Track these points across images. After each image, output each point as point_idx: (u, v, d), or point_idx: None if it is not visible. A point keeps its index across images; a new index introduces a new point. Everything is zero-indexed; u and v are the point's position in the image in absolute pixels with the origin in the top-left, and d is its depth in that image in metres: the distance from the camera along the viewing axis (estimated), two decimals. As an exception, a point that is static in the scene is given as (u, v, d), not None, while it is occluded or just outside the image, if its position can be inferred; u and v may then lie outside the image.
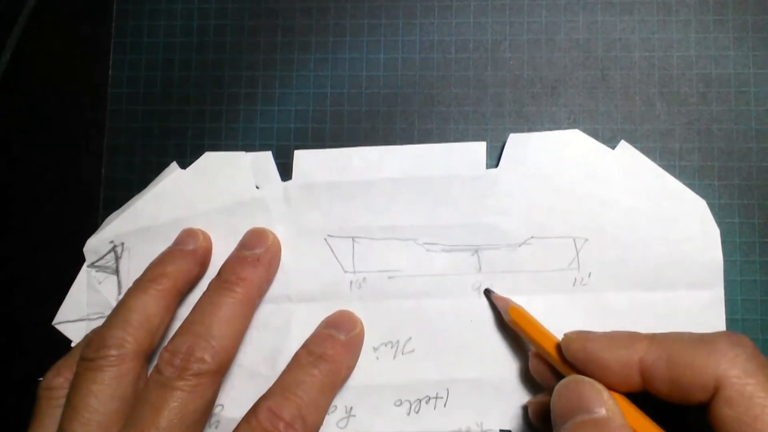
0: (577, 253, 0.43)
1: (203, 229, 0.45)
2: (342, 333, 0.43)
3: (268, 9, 0.48)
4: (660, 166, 0.44)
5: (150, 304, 0.41)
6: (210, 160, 0.46)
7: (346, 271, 0.44)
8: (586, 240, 0.43)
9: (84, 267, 0.46)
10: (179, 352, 0.38)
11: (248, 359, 0.44)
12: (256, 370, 0.44)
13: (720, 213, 0.44)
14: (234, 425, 0.39)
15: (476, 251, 0.44)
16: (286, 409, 0.38)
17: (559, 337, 0.37)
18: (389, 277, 0.44)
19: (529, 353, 0.40)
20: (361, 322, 0.44)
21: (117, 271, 0.45)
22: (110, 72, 0.48)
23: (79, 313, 0.45)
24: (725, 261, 0.43)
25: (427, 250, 0.44)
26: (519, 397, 0.43)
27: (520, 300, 0.43)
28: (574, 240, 0.43)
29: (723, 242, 0.43)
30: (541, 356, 0.39)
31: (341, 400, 0.44)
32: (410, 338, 0.44)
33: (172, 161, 0.47)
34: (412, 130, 0.46)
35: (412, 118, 0.46)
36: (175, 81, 0.48)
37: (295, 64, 0.47)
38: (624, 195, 0.43)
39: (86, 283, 0.45)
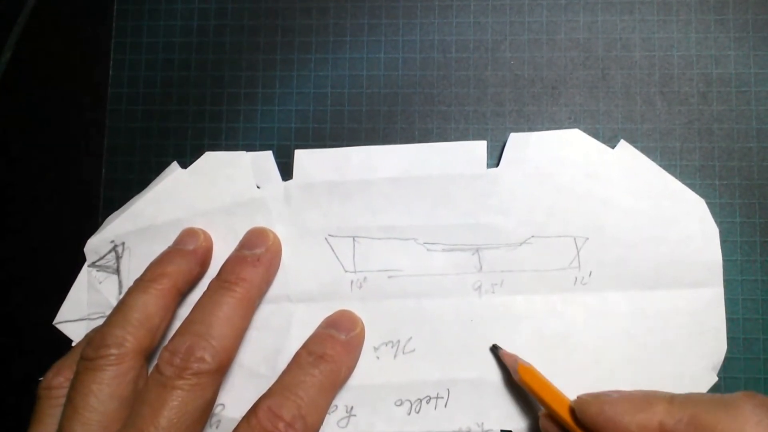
0: (578, 253, 0.43)
1: (203, 228, 0.45)
2: (342, 333, 0.43)
3: (268, 9, 0.48)
4: (661, 165, 0.44)
5: (150, 303, 0.41)
6: (210, 160, 0.46)
7: (346, 271, 0.45)
8: (587, 239, 0.43)
9: (85, 267, 0.46)
10: (179, 352, 0.39)
11: (248, 359, 0.44)
12: (256, 369, 0.44)
13: (721, 212, 0.44)
14: (234, 425, 0.39)
15: (477, 251, 0.44)
16: (286, 409, 0.39)
17: (570, 396, 0.39)
18: (390, 277, 0.44)
19: (540, 414, 0.40)
20: (362, 322, 0.44)
21: (118, 271, 0.46)
22: (110, 72, 0.49)
23: (79, 312, 0.46)
24: (726, 260, 0.44)
25: (428, 250, 0.44)
26: (520, 397, 0.43)
27: (520, 299, 0.44)
28: (575, 239, 0.44)
29: (724, 242, 0.44)
30: (553, 418, 0.39)
31: (342, 400, 0.44)
32: (411, 338, 0.44)
33: (172, 161, 0.47)
34: (412, 129, 0.47)
35: (413, 117, 0.47)
36: (175, 81, 0.49)
37: (295, 64, 0.48)
38: (624, 194, 0.44)
39: (87, 283, 0.46)
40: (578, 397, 0.37)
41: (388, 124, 0.47)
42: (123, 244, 0.46)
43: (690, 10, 0.46)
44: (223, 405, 0.44)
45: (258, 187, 0.46)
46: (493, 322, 0.44)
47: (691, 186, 0.44)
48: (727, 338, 0.43)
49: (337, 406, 0.44)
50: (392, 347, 0.44)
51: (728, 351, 0.43)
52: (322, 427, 0.43)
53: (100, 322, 0.45)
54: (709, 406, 0.33)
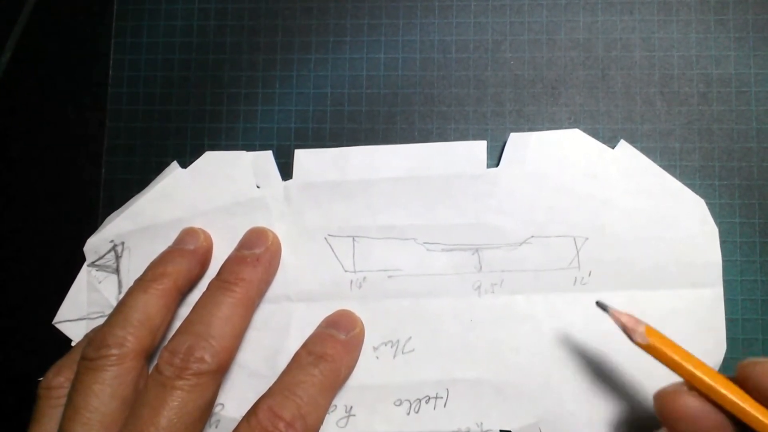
0: (578, 252, 0.44)
1: (203, 228, 0.46)
2: (342, 332, 0.44)
3: (269, 9, 0.49)
4: (661, 165, 0.45)
5: (151, 303, 0.41)
6: (210, 159, 0.47)
7: (346, 271, 0.45)
8: (587, 239, 0.44)
9: (84, 266, 0.47)
10: (179, 352, 0.39)
11: (248, 359, 0.45)
12: (256, 369, 0.45)
13: (720, 213, 0.45)
14: (234, 425, 0.39)
15: (476, 251, 0.45)
16: (287, 409, 0.39)
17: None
18: (389, 277, 0.45)
19: (667, 392, 0.36)
20: (361, 322, 0.45)
21: (117, 271, 0.46)
22: (110, 72, 0.49)
23: (79, 312, 0.46)
24: (726, 261, 0.44)
25: (428, 250, 0.45)
26: (519, 397, 0.44)
27: (520, 299, 0.44)
28: (575, 239, 0.44)
29: (724, 242, 0.44)
30: (698, 391, 0.35)
31: (341, 400, 0.44)
32: (410, 338, 0.44)
33: (172, 161, 0.47)
34: (412, 129, 0.47)
35: (413, 117, 0.47)
36: (175, 81, 0.49)
37: (295, 64, 0.48)
38: (624, 194, 0.44)
39: (86, 283, 0.46)
40: (739, 364, 0.35)
41: (387, 124, 0.47)
42: (123, 243, 0.46)
43: (690, 11, 0.47)
44: (222, 405, 0.44)
45: (258, 187, 0.46)
46: (492, 322, 0.44)
47: (691, 186, 0.44)
48: (727, 339, 0.43)
49: (336, 406, 0.44)
50: (392, 347, 0.45)
51: (728, 351, 0.43)
52: (322, 427, 0.43)
53: (100, 321, 0.45)
54: None
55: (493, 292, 0.44)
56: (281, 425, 0.39)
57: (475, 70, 0.47)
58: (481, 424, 0.44)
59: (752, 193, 0.45)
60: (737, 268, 0.45)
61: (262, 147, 0.47)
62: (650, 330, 0.36)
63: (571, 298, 0.44)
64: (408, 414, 0.44)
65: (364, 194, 0.45)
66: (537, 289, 0.44)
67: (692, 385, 0.35)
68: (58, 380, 0.41)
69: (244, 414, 0.40)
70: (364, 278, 0.45)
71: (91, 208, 0.48)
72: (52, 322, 0.46)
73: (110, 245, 0.46)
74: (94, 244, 0.47)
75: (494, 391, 0.44)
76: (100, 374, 0.39)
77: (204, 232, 0.46)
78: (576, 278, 0.44)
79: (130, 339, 0.40)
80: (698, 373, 0.35)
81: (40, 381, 0.41)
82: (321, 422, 0.41)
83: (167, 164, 0.48)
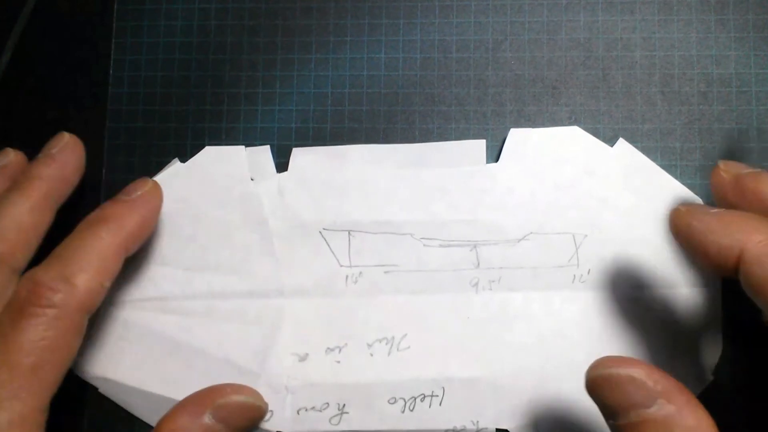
0: (577, 250, 0.46)
1: (194, 221, 0.48)
2: (125, 195, 0.44)
3: (269, 9, 0.52)
4: (661, 165, 0.47)
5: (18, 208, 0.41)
6: (209, 154, 0.49)
7: (341, 266, 0.47)
8: (586, 236, 0.46)
9: None
10: None
11: (237, 354, 0.46)
12: (245, 366, 0.46)
13: None
14: None
15: (474, 247, 0.47)
16: (47, 274, 0.38)
17: None
18: (385, 272, 0.47)
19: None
20: (155, 184, 0.45)
21: None
22: (110, 72, 0.52)
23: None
24: None
25: (425, 245, 0.47)
26: (515, 395, 0.45)
27: (518, 296, 0.46)
28: (574, 236, 0.46)
29: None
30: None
31: (334, 398, 0.46)
32: (406, 335, 0.46)
33: (172, 161, 0.50)
34: (413, 129, 0.50)
35: (413, 117, 0.50)
36: (176, 81, 0.52)
37: (295, 64, 0.51)
38: (622, 192, 0.46)
39: None
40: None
41: (388, 124, 0.50)
42: None
43: (691, 10, 0.49)
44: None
45: (252, 180, 0.48)
46: (489, 319, 0.46)
47: (692, 186, 0.47)
48: (726, 338, 0.46)
49: (328, 403, 0.46)
50: (386, 344, 0.46)
51: (727, 351, 0.46)
52: (314, 423, 0.46)
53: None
54: None
55: (490, 289, 0.46)
56: (42, 291, 0.37)
57: (476, 70, 0.50)
58: (477, 422, 0.45)
59: (753, 193, 0.47)
60: (738, 268, 0.47)
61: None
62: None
63: (569, 296, 0.46)
64: (403, 412, 0.46)
65: (360, 189, 0.47)
66: (535, 286, 0.46)
67: None
68: None
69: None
70: (360, 273, 0.47)
71: (91, 208, 0.48)
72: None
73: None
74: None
75: (491, 389, 0.45)
76: None
77: (15, 150, 0.47)
78: (575, 276, 0.46)
79: None
80: None
81: None
82: (100, 285, 0.39)
83: (167, 164, 0.50)
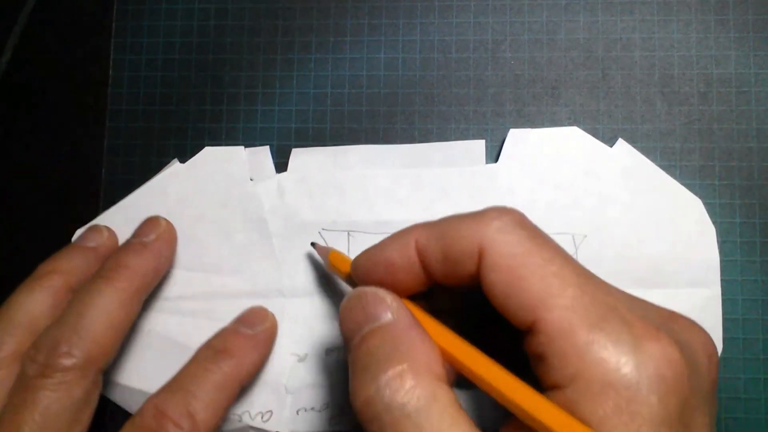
0: (576, 250, 0.46)
1: (194, 221, 0.48)
2: (248, 328, 0.44)
3: (269, 9, 0.52)
4: (661, 165, 0.47)
5: (36, 302, 0.41)
6: (208, 154, 0.49)
7: None
8: (585, 236, 0.47)
9: None
10: (43, 348, 0.38)
11: None
12: None
13: (721, 213, 0.48)
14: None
15: None
16: (173, 406, 0.38)
17: None
18: None
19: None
20: (274, 318, 0.46)
21: None
22: (110, 72, 0.52)
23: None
24: (726, 261, 0.47)
25: None
26: None
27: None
28: (573, 236, 0.47)
29: (724, 242, 0.47)
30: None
31: (333, 399, 0.46)
32: None
33: (172, 161, 0.50)
34: (412, 129, 0.50)
35: (413, 117, 0.50)
36: (176, 81, 0.52)
37: (295, 64, 0.51)
38: (622, 192, 0.47)
39: None
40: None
41: (388, 124, 0.50)
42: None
43: (690, 11, 0.50)
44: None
45: (252, 180, 0.48)
46: (487, 317, 0.46)
47: (691, 186, 0.47)
48: (727, 338, 0.46)
49: (328, 403, 0.46)
50: None
51: (728, 351, 0.46)
52: (314, 423, 0.46)
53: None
54: (456, 218, 0.34)
55: (490, 289, 0.47)
56: (167, 424, 0.38)
57: (475, 70, 0.50)
58: (478, 423, 0.45)
59: (752, 193, 0.48)
60: (737, 267, 0.48)
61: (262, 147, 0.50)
62: (335, 254, 0.43)
63: (569, 296, 0.46)
64: (402, 412, 0.46)
65: (360, 189, 0.48)
66: (535, 286, 0.46)
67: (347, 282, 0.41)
68: None
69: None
70: (360, 273, 0.47)
71: (91, 209, 0.51)
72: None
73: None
74: (88, 237, 0.49)
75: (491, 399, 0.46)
76: None
77: (108, 230, 0.46)
78: (575, 276, 0.46)
79: (8, 341, 0.39)
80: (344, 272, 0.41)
81: None
82: (218, 419, 0.40)
83: (167, 164, 0.50)
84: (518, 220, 0.33)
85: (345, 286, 0.47)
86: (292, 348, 0.47)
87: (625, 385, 0.28)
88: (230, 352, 0.42)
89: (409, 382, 0.31)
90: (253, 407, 0.46)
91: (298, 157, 0.49)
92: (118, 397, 0.47)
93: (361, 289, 0.36)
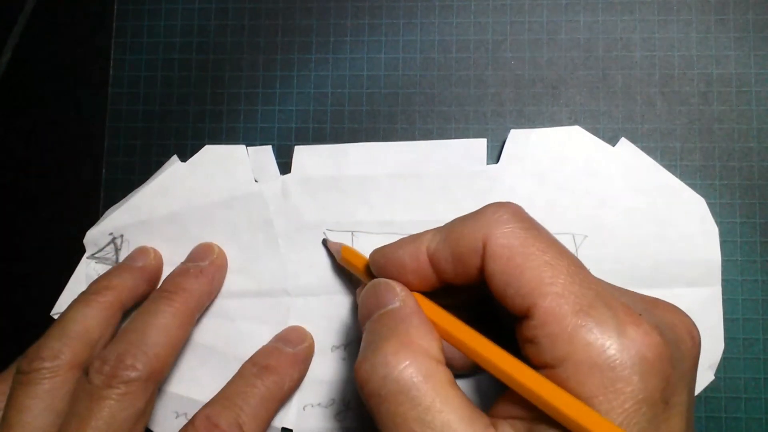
0: (576, 250, 0.47)
1: (201, 222, 0.49)
2: (289, 346, 0.46)
3: (269, 9, 0.52)
4: (661, 165, 0.47)
5: (90, 315, 0.43)
6: (209, 153, 0.50)
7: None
8: (586, 236, 0.47)
9: (83, 258, 0.49)
10: (109, 360, 0.40)
11: (246, 354, 0.47)
12: None
13: (721, 212, 0.48)
14: None
15: None
16: (224, 418, 0.41)
17: None
18: None
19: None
20: (311, 338, 0.48)
21: (116, 263, 0.49)
22: (110, 72, 0.52)
23: (77, 303, 0.49)
24: (726, 261, 0.47)
25: None
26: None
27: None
28: (574, 236, 0.47)
29: (724, 242, 0.47)
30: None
31: (339, 394, 0.47)
32: None
33: None
34: (413, 129, 0.50)
35: (413, 117, 0.50)
36: (176, 81, 0.52)
37: (295, 64, 0.52)
38: (624, 192, 0.47)
39: (85, 275, 0.49)
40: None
41: (388, 124, 0.50)
42: (122, 236, 0.49)
43: (690, 10, 0.50)
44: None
45: (256, 181, 0.49)
46: (488, 316, 0.46)
47: (692, 186, 0.47)
48: (727, 338, 0.46)
49: (334, 399, 0.47)
50: None
51: (728, 351, 0.46)
52: (319, 419, 0.46)
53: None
54: (460, 219, 0.37)
55: (491, 288, 0.47)
56: None
57: (476, 70, 0.50)
58: None
59: (753, 193, 0.48)
60: (738, 267, 0.48)
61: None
62: (345, 248, 0.46)
63: (569, 295, 0.46)
64: (406, 408, 0.46)
65: (362, 189, 0.48)
66: (535, 285, 0.47)
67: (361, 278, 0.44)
68: None
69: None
70: (364, 272, 0.47)
71: (91, 208, 0.51)
72: (51, 313, 0.49)
73: (109, 238, 0.49)
74: (94, 237, 0.49)
75: (494, 385, 0.45)
76: (33, 388, 0.40)
77: (155, 251, 0.48)
78: (575, 276, 0.46)
79: (65, 351, 0.41)
80: (359, 267, 0.43)
81: None
82: (263, 431, 0.44)
83: (166, 162, 0.51)
84: (516, 212, 0.36)
85: (350, 285, 0.48)
86: (299, 345, 0.48)
87: (609, 366, 0.31)
88: (273, 369, 0.45)
89: (404, 360, 0.34)
90: (260, 404, 0.46)
91: (301, 155, 0.49)
92: None
93: (376, 280, 0.40)
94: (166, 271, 0.48)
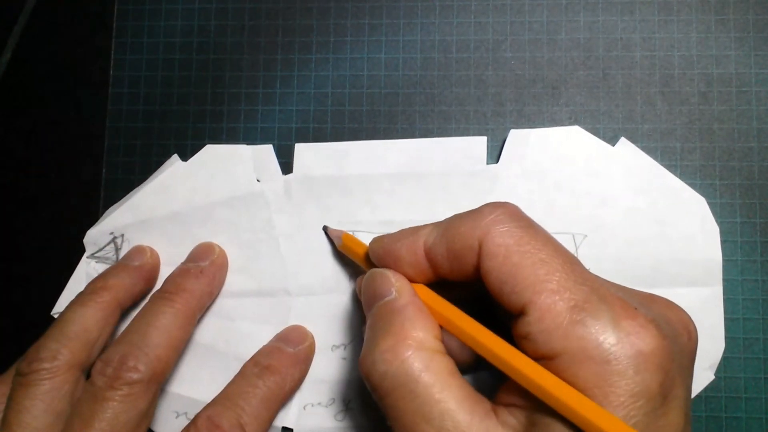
0: (576, 250, 0.47)
1: (202, 222, 0.49)
2: (290, 346, 0.46)
3: (269, 9, 0.52)
4: (661, 165, 0.47)
5: (88, 316, 0.43)
6: (211, 153, 0.50)
7: (346, 264, 0.48)
8: (585, 236, 0.47)
9: (84, 258, 0.49)
10: (112, 362, 0.41)
11: (247, 353, 0.47)
12: None
13: (721, 212, 0.48)
14: None
15: None
16: (225, 419, 0.41)
17: None
18: None
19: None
20: (312, 338, 0.48)
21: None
22: (111, 72, 0.53)
23: (77, 303, 0.49)
24: (727, 260, 0.47)
25: None
26: None
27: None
28: (573, 236, 0.47)
29: (724, 242, 0.47)
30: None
31: (339, 394, 0.47)
32: None
33: None
34: (413, 129, 0.50)
35: (414, 117, 0.50)
36: (176, 81, 0.52)
37: (296, 64, 0.52)
38: (624, 192, 0.47)
39: (85, 274, 0.49)
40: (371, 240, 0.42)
41: (388, 124, 0.50)
42: (122, 235, 0.49)
43: (691, 11, 0.50)
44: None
45: (258, 181, 0.49)
46: (488, 314, 0.46)
47: (692, 186, 0.47)
48: (728, 338, 0.46)
49: (334, 399, 0.47)
50: None
51: (728, 350, 0.46)
52: (320, 419, 0.46)
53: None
54: (458, 217, 0.38)
55: (491, 288, 0.47)
56: None
57: (476, 70, 0.51)
58: None
59: (753, 193, 0.48)
60: (738, 267, 0.48)
61: (263, 147, 0.50)
62: (347, 235, 0.46)
63: (569, 295, 0.46)
64: (407, 408, 0.46)
65: (363, 189, 0.48)
66: (535, 285, 0.47)
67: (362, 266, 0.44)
68: None
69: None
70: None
71: (91, 208, 0.51)
72: (51, 313, 0.49)
73: (110, 237, 0.49)
74: (94, 236, 0.49)
75: (492, 383, 0.45)
76: (33, 389, 0.40)
77: (151, 249, 0.49)
78: (575, 276, 0.46)
79: (64, 352, 0.42)
80: (360, 255, 0.44)
81: None
82: (264, 431, 0.44)
83: (166, 161, 0.51)
84: (512, 211, 0.37)
85: (351, 284, 0.48)
86: (299, 345, 0.48)
87: (605, 359, 0.31)
88: (275, 369, 0.45)
89: (401, 355, 0.35)
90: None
91: (302, 153, 0.49)
92: None
93: (373, 270, 0.41)
94: (166, 271, 0.48)
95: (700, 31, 0.50)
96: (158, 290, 0.46)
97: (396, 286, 0.39)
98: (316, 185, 0.49)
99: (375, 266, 0.41)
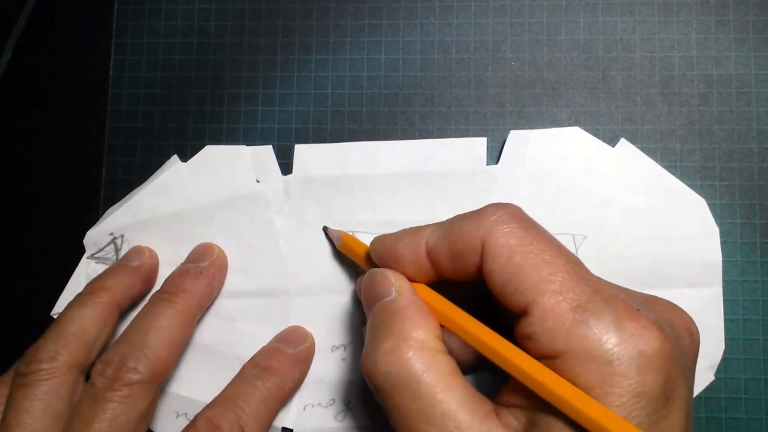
0: (576, 251, 0.47)
1: (202, 222, 0.49)
2: (290, 347, 0.46)
3: (269, 10, 0.52)
4: (661, 166, 0.47)
5: (86, 316, 0.43)
6: (210, 153, 0.50)
7: (346, 265, 0.48)
8: (585, 237, 0.47)
9: (83, 258, 0.49)
10: (112, 363, 0.41)
11: (247, 353, 0.47)
12: None
13: (721, 213, 0.48)
14: None
15: None
16: (225, 420, 0.42)
17: None
18: None
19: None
20: (312, 338, 0.48)
21: None
22: (110, 72, 0.53)
23: (76, 303, 0.49)
24: (727, 261, 0.47)
25: None
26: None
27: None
28: (573, 237, 0.47)
29: (724, 243, 0.47)
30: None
31: (339, 394, 0.47)
32: None
33: None
34: (413, 130, 0.50)
35: (413, 118, 0.50)
36: (176, 81, 0.52)
37: (295, 65, 0.52)
38: (623, 193, 0.47)
39: (85, 275, 0.49)
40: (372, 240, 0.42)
41: (388, 125, 0.50)
42: (122, 236, 0.49)
43: (690, 11, 0.50)
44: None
45: (258, 181, 0.49)
46: (489, 314, 0.46)
47: (692, 187, 0.47)
48: (728, 339, 0.46)
49: (334, 399, 0.47)
50: None
51: (728, 351, 0.46)
52: (320, 420, 0.46)
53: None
54: (460, 217, 0.38)
55: (491, 289, 0.47)
56: None
57: (476, 71, 0.51)
58: None
59: (753, 194, 0.48)
60: (738, 268, 0.48)
61: (263, 147, 0.51)
62: (347, 236, 0.46)
63: (569, 296, 0.46)
64: (407, 408, 0.47)
65: (363, 189, 0.48)
66: (535, 286, 0.47)
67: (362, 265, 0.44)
68: None
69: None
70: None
71: (91, 208, 0.51)
72: (51, 314, 0.49)
73: (110, 238, 0.49)
74: (94, 237, 0.49)
75: (491, 384, 0.45)
76: (32, 390, 0.41)
77: (150, 250, 0.49)
78: (575, 276, 0.46)
79: (62, 352, 0.42)
80: (361, 255, 0.44)
81: None
82: None
83: (166, 162, 0.51)
84: (515, 213, 0.37)
85: (351, 285, 0.48)
86: (299, 345, 0.48)
87: (607, 360, 0.31)
88: (274, 370, 0.45)
89: (402, 356, 0.35)
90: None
91: (302, 153, 0.49)
92: None
93: (373, 270, 0.41)
94: (166, 272, 0.48)
95: (700, 32, 0.50)
96: (158, 291, 0.46)
97: (396, 286, 0.39)
98: (316, 186, 0.49)
99: (375, 266, 0.41)
